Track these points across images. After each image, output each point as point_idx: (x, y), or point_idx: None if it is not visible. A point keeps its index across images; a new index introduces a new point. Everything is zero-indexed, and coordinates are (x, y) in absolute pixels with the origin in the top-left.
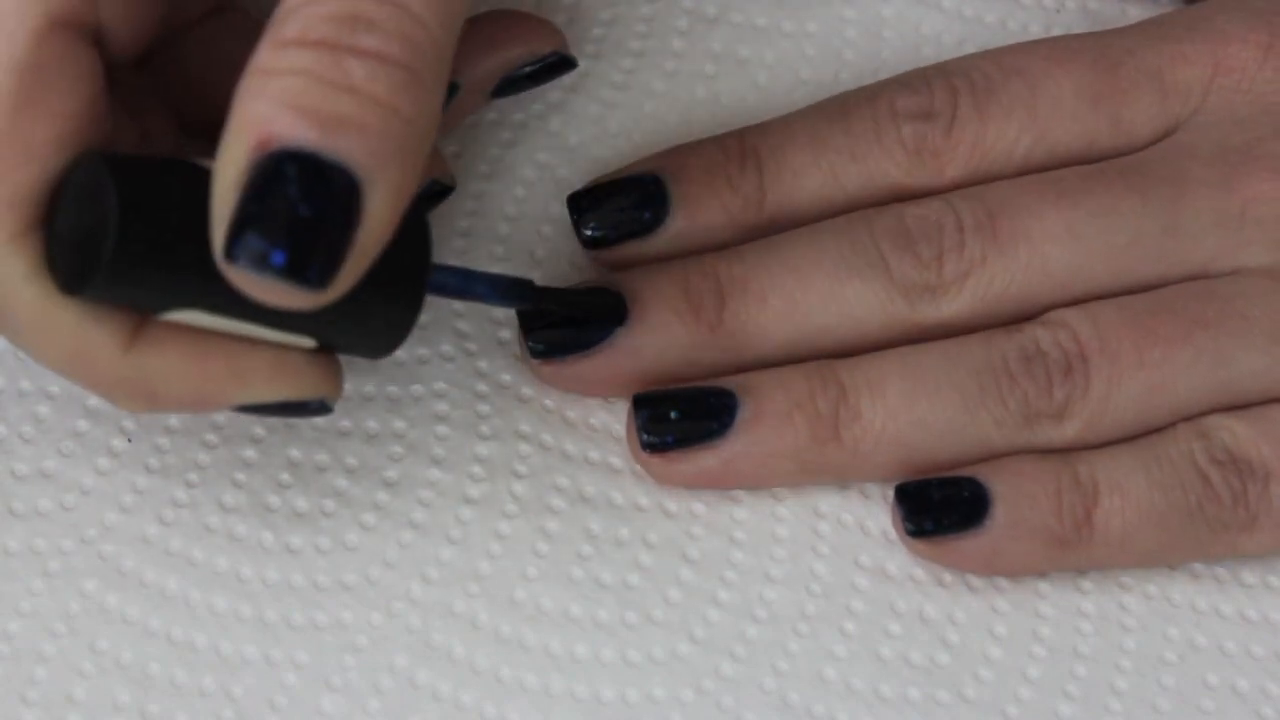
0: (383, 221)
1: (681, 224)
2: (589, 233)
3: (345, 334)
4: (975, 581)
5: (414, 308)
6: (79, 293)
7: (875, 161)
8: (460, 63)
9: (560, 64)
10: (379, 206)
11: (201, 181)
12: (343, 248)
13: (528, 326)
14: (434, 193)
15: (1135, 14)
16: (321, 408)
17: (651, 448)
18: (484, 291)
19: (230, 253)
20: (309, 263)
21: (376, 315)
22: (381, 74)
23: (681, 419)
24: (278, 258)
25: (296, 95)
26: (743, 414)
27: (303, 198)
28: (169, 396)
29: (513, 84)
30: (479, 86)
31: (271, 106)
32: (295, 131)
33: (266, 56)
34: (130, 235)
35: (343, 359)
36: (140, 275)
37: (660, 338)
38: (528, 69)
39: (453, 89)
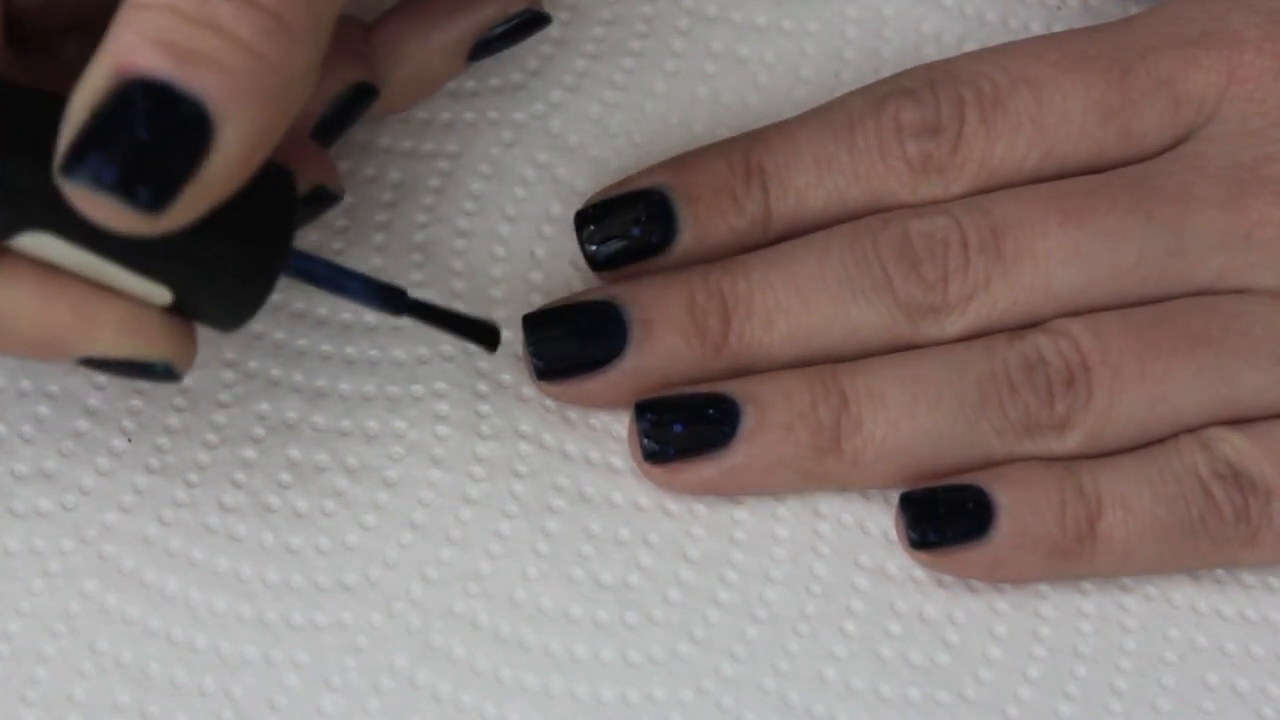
0: (231, 160)
1: (688, 245)
2: (595, 251)
3: (196, 291)
4: (975, 582)
5: (267, 281)
6: None
7: (880, 181)
8: (431, 26)
9: (534, 21)
10: (228, 145)
11: (61, 109)
12: (181, 176)
13: (531, 344)
14: (318, 197)
15: (1136, 11)
16: (169, 374)
17: (653, 457)
18: (353, 289)
19: (67, 166)
20: (142, 183)
21: (227, 279)
22: (247, 17)
23: (684, 430)
24: (109, 174)
25: (160, 30)
26: (745, 425)
27: (147, 123)
28: (13, 335)
29: (488, 45)
30: (454, 51)
31: (134, 38)
32: (152, 62)
33: None
34: None
35: (340, 363)
36: None
37: (666, 359)
38: (501, 28)
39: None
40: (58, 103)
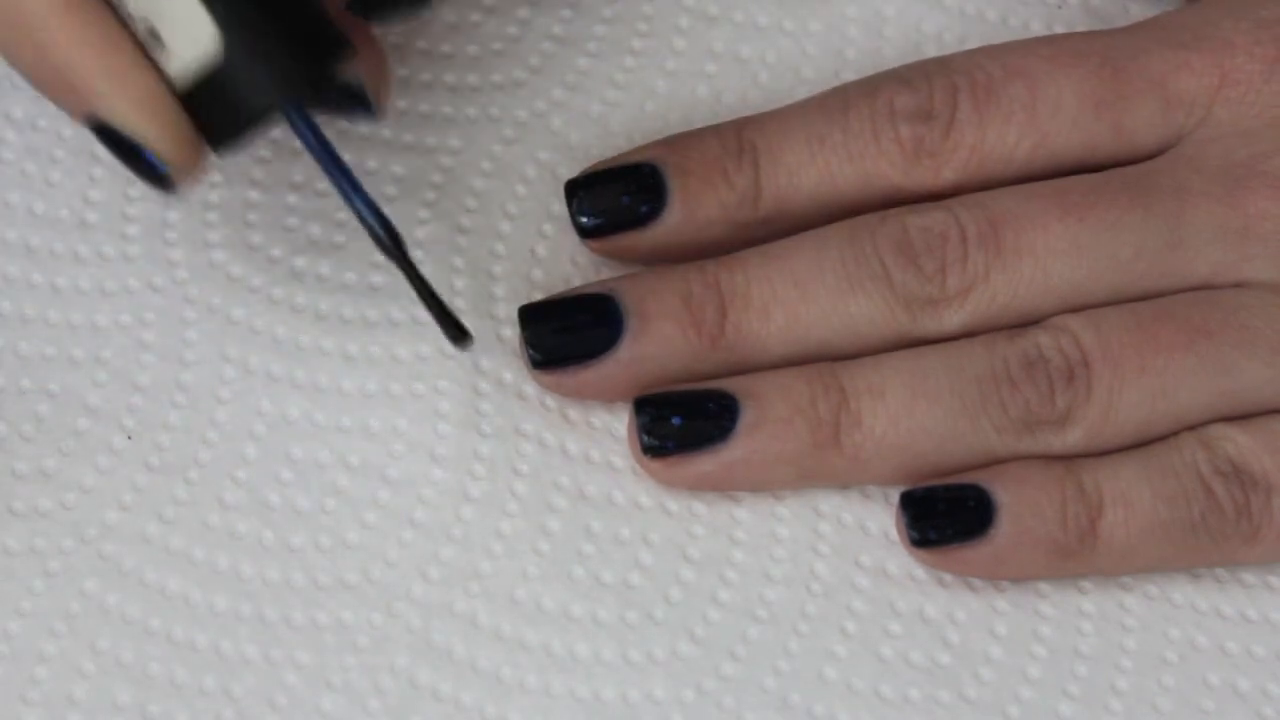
0: None
1: (678, 218)
2: (584, 221)
3: (239, 56)
4: (976, 581)
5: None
6: None
7: (872, 162)
8: None
9: None
10: None
11: None
12: None
13: (528, 335)
14: (354, 94)
15: (1137, 11)
16: (160, 177)
17: (652, 452)
18: (360, 204)
19: None
20: None
21: (267, 62)
22: None
23: (683, 424)
24: None
25: None
26: (744, 420)
27: None
28: (41, 56)
29: None
30: None
31: None
32: None
33: None
34: None
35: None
36: None
37: (662, 350)
38: None
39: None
40: None
